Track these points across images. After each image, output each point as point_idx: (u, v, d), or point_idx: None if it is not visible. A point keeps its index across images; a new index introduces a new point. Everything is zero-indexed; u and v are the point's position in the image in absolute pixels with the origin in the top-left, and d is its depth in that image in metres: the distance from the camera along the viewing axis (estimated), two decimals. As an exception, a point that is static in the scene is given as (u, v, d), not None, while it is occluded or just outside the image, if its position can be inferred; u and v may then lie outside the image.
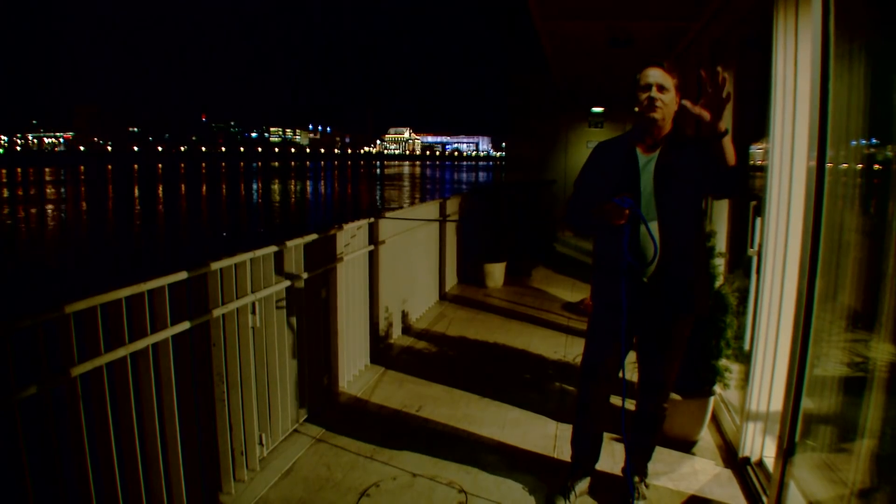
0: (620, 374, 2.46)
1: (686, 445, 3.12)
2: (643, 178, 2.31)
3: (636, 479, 2.62)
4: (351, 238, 3.98)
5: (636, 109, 2.29)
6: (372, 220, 4.42)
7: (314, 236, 3.44)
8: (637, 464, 2.63)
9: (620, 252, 2.29)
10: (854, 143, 2.33)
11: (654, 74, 2.26)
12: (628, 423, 2.52)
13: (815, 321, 2.27)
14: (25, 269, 14.01)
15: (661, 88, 2.25)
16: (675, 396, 3.04)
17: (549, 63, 7.79)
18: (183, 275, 2.39)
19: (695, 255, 2.35)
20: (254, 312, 2.86)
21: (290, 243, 3.17)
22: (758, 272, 2.95)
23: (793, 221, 2.64)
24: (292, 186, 50.19)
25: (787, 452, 2.35)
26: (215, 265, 2.60)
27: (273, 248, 3.00)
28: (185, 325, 2.42)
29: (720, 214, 4.14)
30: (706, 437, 3.22)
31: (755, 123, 4.03)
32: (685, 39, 5.08)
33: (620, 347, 2.45)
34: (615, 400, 2.86)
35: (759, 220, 3.11)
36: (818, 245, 2.22)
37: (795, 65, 2.59)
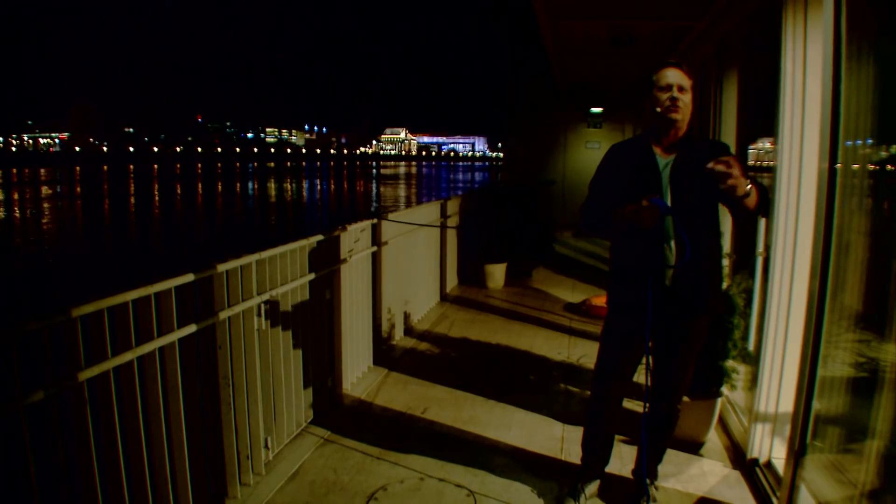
0: (635, 378, 2.43)
1: (693, 447, 3.11)
2: (665, 182, 2.28)
3: (646, 480, 2.61)
4: (354, 242, 3.96)
5: (657, 110, 2.25)
6: (375, 221, 4.40)
7: (318, 238, 3.42)
8: (648, 465, 2.61)
9: (648, 255, 2.26)
10: (860, 142, 2.32)
11: (674, 75, 2.23)
12: (644, 425, 2.50)
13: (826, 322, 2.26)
14: (30, 272, 13.92)
15: (681, 89, 2.23)
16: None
17: (550, 63, 7.78)
18: (189, 277, 2.37)
19: (712, 257, 2.33)
20: (259, 314, 2.83)
21: (294, 245, 3.15)
22: (765, 273, 2.94)
23: (802, 222, 2.62)
24: (289, 186, 50.12)
25: (798, 454, 2.34)
26: (221, 267, 2.58)
27: (277, 251, 2.97)
28: (192, 328, 2.39)
29: (725, 215, 4.12)
30: (713, 439, 3.21)
31: (759, 123, 4.03)
32: (689, 38, 5.07)
33: (637, 350, 2.43)
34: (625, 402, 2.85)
35: (763, 221, 3.11)
36: (829, 246, 2.21)
37: (804, 65, 2.59)
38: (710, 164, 1.93)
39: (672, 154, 2.31)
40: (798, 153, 2.64)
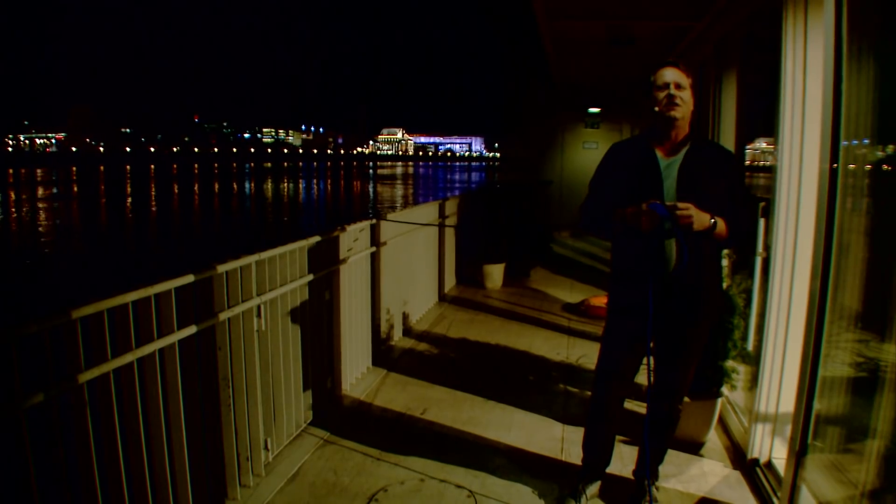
0: (636, 378, 2.43)
1: (694, 447, 3.11)
2: (666, 183, 2.28)
3: (647, 481, 2.60)
4: (353, 241, 3.95)
5: (655, 109, 2.26)
6: (373, 221, 4.39)
7: (317, 238, 3.41)
8: (649, 466, 2.61)
9: (648, 256, 2.27)
10: (859, 143, 2.32)
11: (671, 73, 2.24)
12: (646, 426, 2.50)
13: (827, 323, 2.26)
14: (29, 273, 13.85)
15: (679, 87, 2.23)
16: (682, 398, 3.03)
17: (548, 63, 7.78)
18: (189, 278, 2.36)
19: (713, 259, 2.33)
20: (259, 315, 2.82)
21: (293, 245, 3.14)
22: (765, 273, 2.94)
23: (802, 223, 2.63)
24: (286, 187, 50.05)
25: (799, 454, 2.34)
26: (221, 268, 2.57)
27: (277, 251, 2.97)
28: (192, 330, 2.38)
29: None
30: (713, 439, 3.21)
31: (758, 123, 4.03)
32: (688, 38, 5.07)
33: (638, 351, 2.43)
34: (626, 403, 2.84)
35: (762, 221, 3.11)
36: (830, 247, 2.21)
37: (805, 65, 2.59)
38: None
39: (674, 155, 2.31)
40: (798, 153, 2.64)
